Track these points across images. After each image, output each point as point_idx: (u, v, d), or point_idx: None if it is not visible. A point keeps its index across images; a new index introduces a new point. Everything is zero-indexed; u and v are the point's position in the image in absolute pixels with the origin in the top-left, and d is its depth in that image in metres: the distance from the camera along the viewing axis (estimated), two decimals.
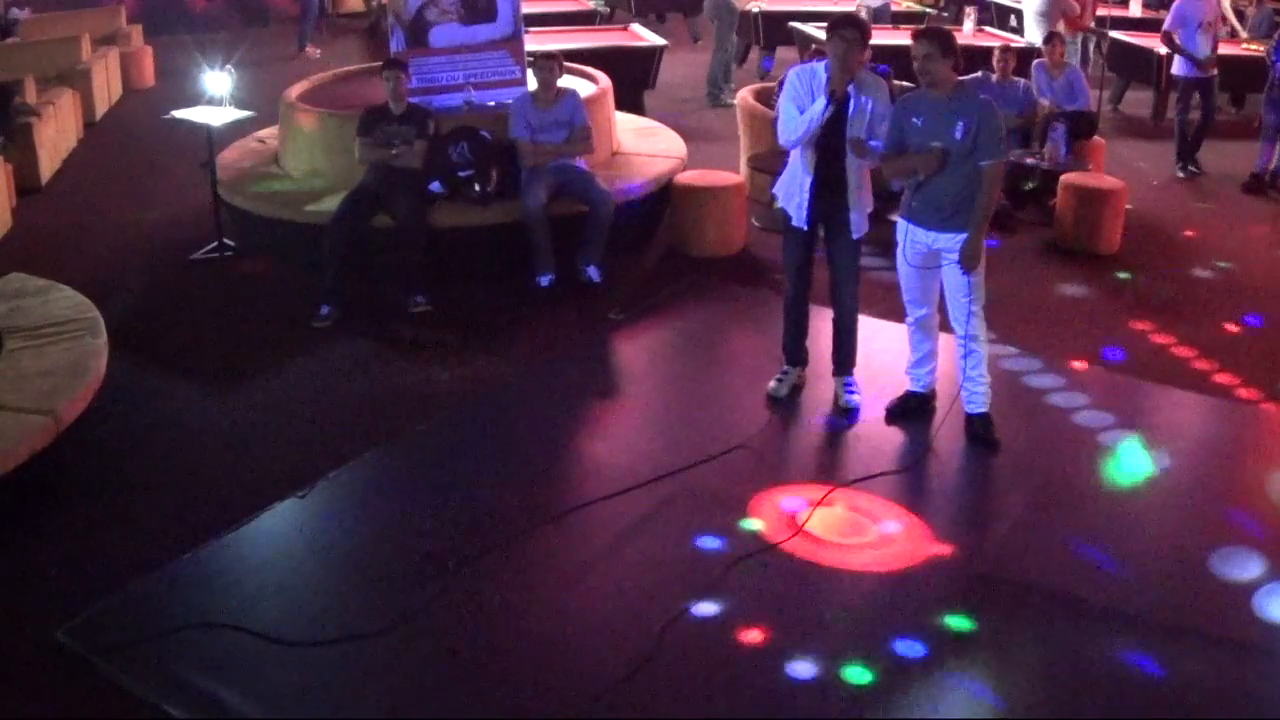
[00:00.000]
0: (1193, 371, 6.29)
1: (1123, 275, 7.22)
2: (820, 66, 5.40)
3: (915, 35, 5.17)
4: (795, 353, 5.93)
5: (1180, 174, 10.03)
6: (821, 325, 5.90)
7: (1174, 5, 10.00)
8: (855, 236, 5.55)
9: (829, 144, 5.37)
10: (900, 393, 5.73)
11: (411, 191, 6.97)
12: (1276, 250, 8.40)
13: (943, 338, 5.66)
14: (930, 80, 5.14)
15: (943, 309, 5.48)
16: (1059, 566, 4.56)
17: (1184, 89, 10.01)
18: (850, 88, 5.31)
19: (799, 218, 5.57)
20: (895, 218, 5.56)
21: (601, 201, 7.16)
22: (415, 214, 6.89)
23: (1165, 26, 10.03)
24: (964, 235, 5.19)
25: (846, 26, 5.27)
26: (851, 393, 5.76)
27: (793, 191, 5.57)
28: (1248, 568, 4.57)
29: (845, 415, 5.69)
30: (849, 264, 5.64)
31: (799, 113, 5.36)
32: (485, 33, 7.93)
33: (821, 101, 5.26)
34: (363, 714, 3.76)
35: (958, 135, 5.09)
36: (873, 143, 5.34)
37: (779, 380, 5.87)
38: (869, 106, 5.32)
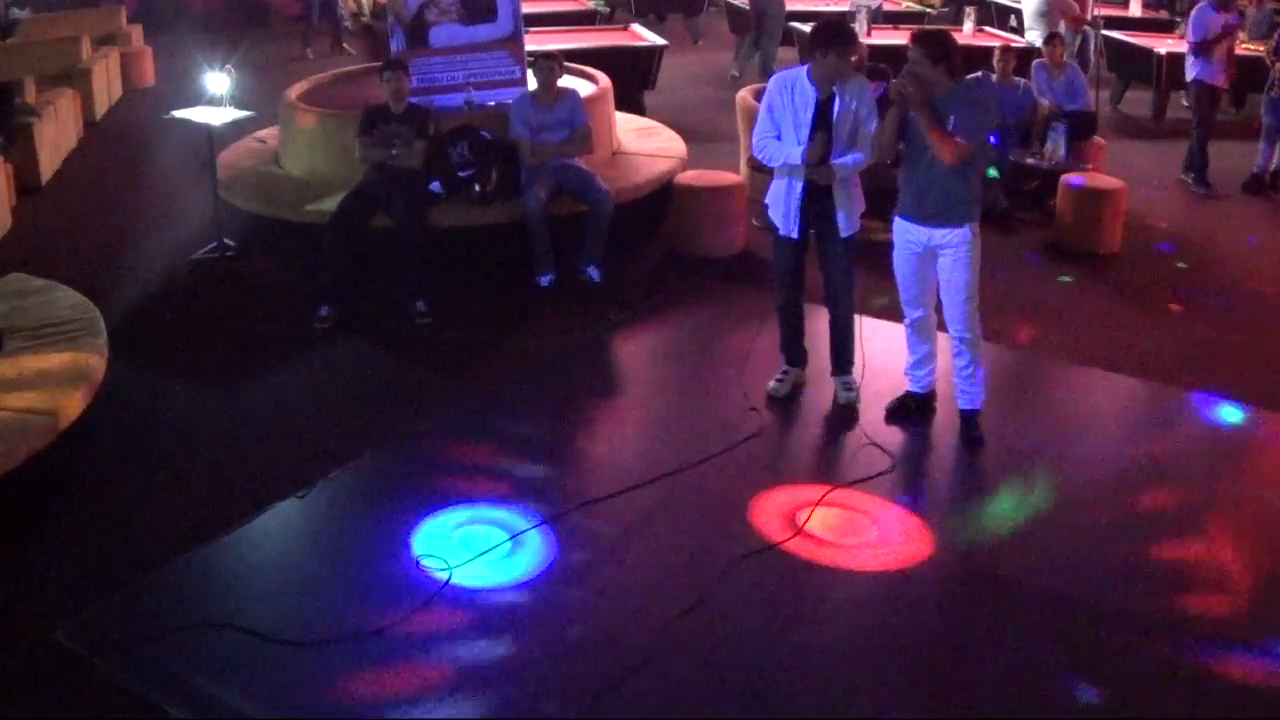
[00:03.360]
0: (1192, 371, 6.29)
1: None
2: (802, 71, 5.43)
3: (911, 39, 5.21)
4: (793, 353, 5.93)
5: (1196, 187, 9.70)
6: (820, 326, 5.90)
7: (1194, 17, 9.63)
8: (844, 235, 5.55)
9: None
10: (900, 393, 5.74)
11: (411, 191, 6.96)
12: (1275, 251, 8.40)
13: (942, 338, 5.66)
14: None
15: (939, 308, 5.49)
16: (1058, 566, 4.56)
17: (1207, 96, 9.65)
18: (834, 89, 5.35)
19: (786, 227, 5.58)
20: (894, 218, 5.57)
21: (602, 201, 7.16)
22: (413, 214, 6.88)
23: (1193, 39, 9.60)
24: (959, 229, 5.21)
25: (820, 33, 5.35)
26: (850, 390, 5.77)
27: (780, 200, 5.58)
28: (1247, 567, 4.57)
29: (845, 414, 5.69)
30: (841, 264, 5.63)
31: (775, 130, 5.44)
32: (485, 33, 7.93)
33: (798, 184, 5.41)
34: (362, 714, 3.76)
35: (950, 129, 5.10)
36: (845, 159, 5.36)
37: (779, 380, 5.88)
38: (854, 107, 5.35)
